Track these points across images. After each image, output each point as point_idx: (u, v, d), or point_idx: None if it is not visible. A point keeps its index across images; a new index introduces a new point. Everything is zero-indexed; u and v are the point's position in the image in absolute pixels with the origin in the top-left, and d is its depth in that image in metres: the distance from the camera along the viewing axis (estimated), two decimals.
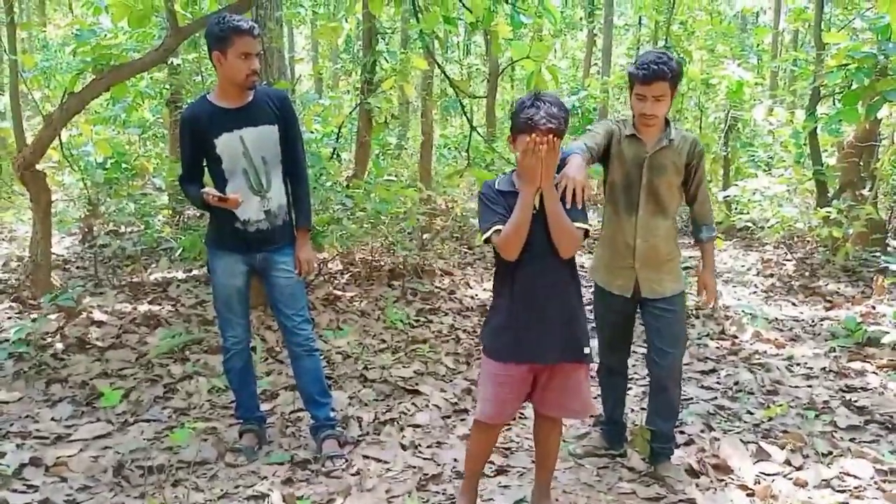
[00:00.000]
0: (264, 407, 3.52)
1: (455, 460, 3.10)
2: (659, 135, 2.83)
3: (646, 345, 3.02)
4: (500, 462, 3.12)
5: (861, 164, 7.13)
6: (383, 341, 4.73)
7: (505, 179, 2.47)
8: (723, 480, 2.95)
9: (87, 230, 6.40)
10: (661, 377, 2.94)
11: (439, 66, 6.25)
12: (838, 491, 2.85)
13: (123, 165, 6.49)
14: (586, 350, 2.48)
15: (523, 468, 3.06)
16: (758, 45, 14.29)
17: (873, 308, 5.45)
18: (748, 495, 2.82)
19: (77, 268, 6.46)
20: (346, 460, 3.05)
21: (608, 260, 2.98)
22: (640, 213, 2.85)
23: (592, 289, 3.06)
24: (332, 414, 3.20)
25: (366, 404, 3.72)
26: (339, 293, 5.68)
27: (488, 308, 2.71)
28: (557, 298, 2.41)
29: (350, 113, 7.60)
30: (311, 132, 6.92)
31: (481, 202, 2.42)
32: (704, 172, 2.92)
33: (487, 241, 2.38)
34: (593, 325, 2.95)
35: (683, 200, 3.00)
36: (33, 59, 5.98)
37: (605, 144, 2.86)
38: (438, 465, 3.08)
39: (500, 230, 2.34)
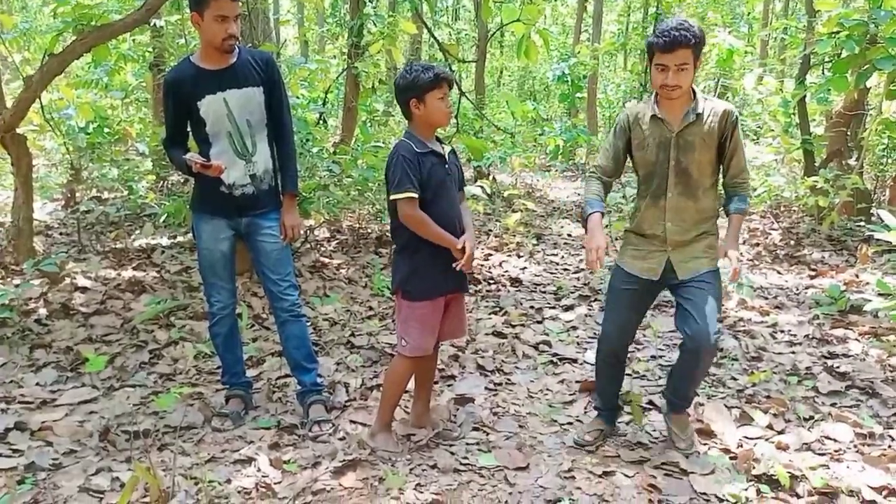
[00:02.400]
0: (251, 373, 3.52)
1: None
2: (685, 109, 2.63)
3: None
4: (489, 420, 3.15)
5: (848, 133, 7.14)
6: (370, 308, 4.73)
7: (415, 141, 2.72)
8: (706, 444, 2.99)
9: (69, 195, 6.33)
10: (694, 350, 2.71)
11: (428, 30, 6.16)
12: (819, 454, 2.89)
13: (106, 130, 6.39)
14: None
15: (510, 432, 3.08)
16: (749, 12, 14.20)
17: (857, 276, 5.50)
18: (731, 458, 2.86)
19: (60, 234, 6.39)
20: (333, 425, 3.07)
21: (636, 244, 2.82)
22: (669, 195, 2.69)
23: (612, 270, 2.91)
24: (318, 379, 3.20)
25: (353, 370, 3.73)
26: (326, 260, 5.66)
27: (400, 255, 2.84)
28: (457, 233, 2.76)
29: (337, 78, 7.50)
30: (298, 97, 6.83)
31: (400, 164, 2.66)
32: (740, 142, 2.68)
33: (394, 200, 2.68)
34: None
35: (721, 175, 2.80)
36: (12, 19, 5.82)
37: (624, 148, 2.75)
38: (425, 429, 3.10)
39: (413, 197, 2.64)
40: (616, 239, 5.73)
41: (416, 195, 2.66)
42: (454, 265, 2.72)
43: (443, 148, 2.82)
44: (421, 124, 2.74)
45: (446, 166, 2.78)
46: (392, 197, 2.69)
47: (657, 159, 2.69)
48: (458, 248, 2.70)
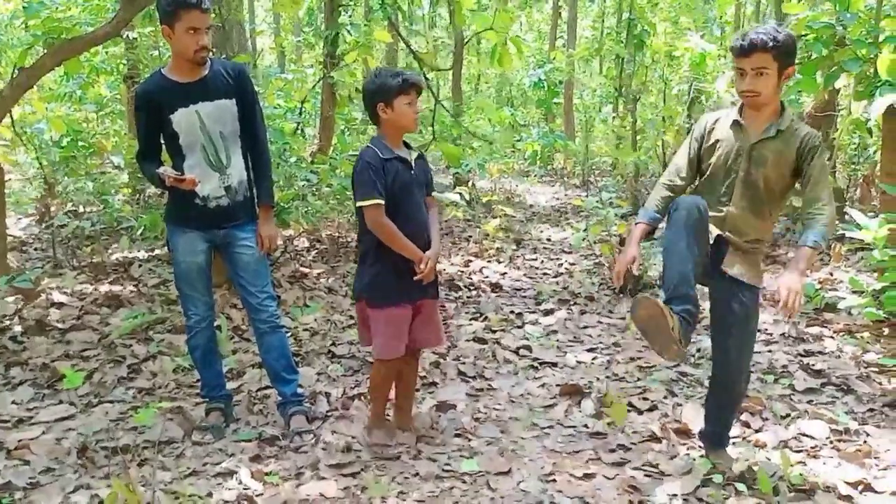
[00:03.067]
0: (231, 385, 3.49)
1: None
2: (768, 123, 2.49)
3: None
4: (471, 426, 3.16)
5: (820, 134, 7.25)
6: (351, 317, 4.72)
7: (381, 146, 2.77)
8: (685, 444, 3.02)
9: (44, 210, 6.25)
10: (722, 374, 2.69)
11: (403, 39, 6.17)
12: (796, 451, 2.94)
13: (80, 143, 6.33)
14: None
15: (492, 437, 3.09)
16: (720, 16, 14.38)
17: (831, 275, 5.59)
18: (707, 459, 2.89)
19: (35, 249, 6.31)
20: (315, 435, 3.05)
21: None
22: (732, 207, 2.54)
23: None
24: (299, 390, 3.19)
25: (334, 380, 3.72)
26: (306, 270, 5.64)
27: (365, 260, 2.88)
28: (424, 240, 2.82)
29: (313, 87, 7.49)
30: (274, 107, 6.81)
31: (366, 171, 2.72)
32: (820, 171, 2.47)
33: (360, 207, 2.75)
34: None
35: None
36: None
37: (698, 149, 2.63)
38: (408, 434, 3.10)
39: (380, 203, 2.69)
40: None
41: (382, 202, 2.71)
42: (415, 278, 2.77)
43: (410, 153, 2.85)
44: (388, 129, 2.79)
45: (412, 172, 2.83)
46: (358, 204, 2.75)
47: (726, 165, 2.55)
48: (420, 263, 2.75)
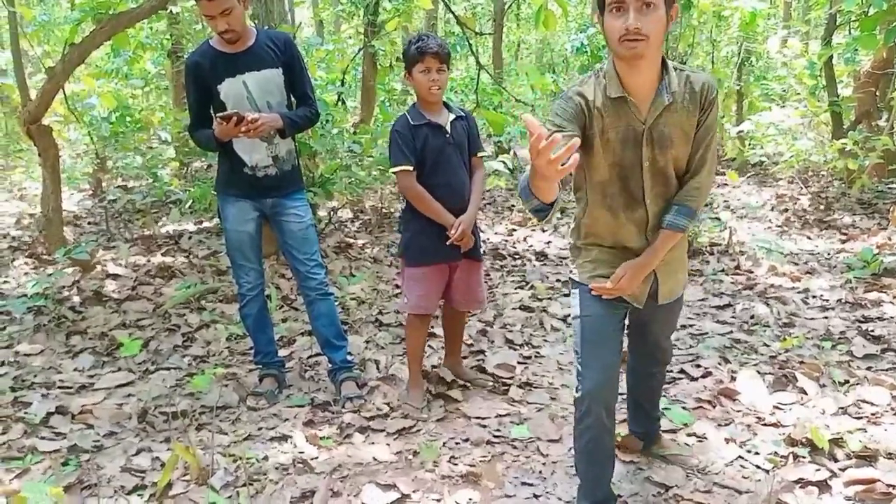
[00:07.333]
0: (282, 353, 3.55)
1: (477, 419, 3.13)
2: (654, 88, 1.91)
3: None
4: (519, 396, 3.16)
5: (877, 93, 6.97)
6: (397, 286, 4.74)
7: (414, 113, 2.84)
8: (739, 411, 2.97)
9: (96, 185, 6.41)
10: (655, 371, 2.51)
11: (445, 4, 6.08)
12: (855, 418, 2.86)
13: (128, 119, 6.45)
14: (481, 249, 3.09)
15: (541, 404, 3.09)
16: None
17: (889, 239, 5.40)
18: (764, 425, 2.84)
19: (89, 223, 6.49)
20: (365, 401, 3.09)
21: (609, 259, 2.09)
22: (649, 203, 2.02)
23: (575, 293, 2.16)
24: (349, 357, 3.23)
25: (382, 347, 3.75)
26: (351, 241, 5.68)
27: (402, 222, 3.01)
28: (461, 201, 2.86)
29: (354, 57, 7.46)
30: (316, 79, 6.81)
31: (394, 139, 2.81)
32: (712, 132, 1.99)
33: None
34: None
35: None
36: (31, 12, 5.87)
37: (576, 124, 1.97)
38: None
39: (408, 170, 2.78)
40: None
41: (410, 168, 2.79)
42: (447, 243, 2.82)
43: (448, 115, 2.88)
44: (417, 96, 2.88)
45: (447, 136, 2.85)
46: (390, 170, 2.88)
47: (624, 161, 1.98)
48: (450, 229, 2.80)
